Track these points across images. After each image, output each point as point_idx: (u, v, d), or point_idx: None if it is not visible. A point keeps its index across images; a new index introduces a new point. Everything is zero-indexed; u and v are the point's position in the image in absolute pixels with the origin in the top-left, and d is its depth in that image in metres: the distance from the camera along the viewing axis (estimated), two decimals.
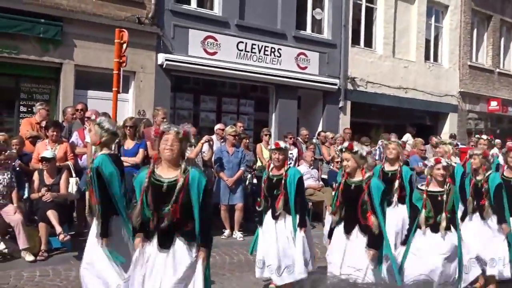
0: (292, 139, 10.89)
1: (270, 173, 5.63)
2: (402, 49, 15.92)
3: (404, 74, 15.71)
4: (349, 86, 14.40)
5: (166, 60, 11.00)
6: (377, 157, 11.63)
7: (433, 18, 17.00)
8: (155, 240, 3.84)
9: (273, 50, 12.79)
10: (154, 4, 10.91)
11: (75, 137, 8.07)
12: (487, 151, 6.59)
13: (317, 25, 14.19)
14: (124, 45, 8.37)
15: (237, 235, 8.72)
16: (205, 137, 8.87)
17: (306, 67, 13.44)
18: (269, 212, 5.57)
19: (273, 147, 5.67)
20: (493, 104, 18.16)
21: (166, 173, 3.88)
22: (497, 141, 15.02)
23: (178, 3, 11.49)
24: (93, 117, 7.29)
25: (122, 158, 7.52)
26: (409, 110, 15.86)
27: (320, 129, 13.41)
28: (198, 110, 12.39)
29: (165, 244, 3.81)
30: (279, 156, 5.53)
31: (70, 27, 9.84)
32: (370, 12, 15.34)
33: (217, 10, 12.13)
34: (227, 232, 8.81)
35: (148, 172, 3.87)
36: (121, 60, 8.39)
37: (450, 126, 17.07)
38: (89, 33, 9.98)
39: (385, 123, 15.60)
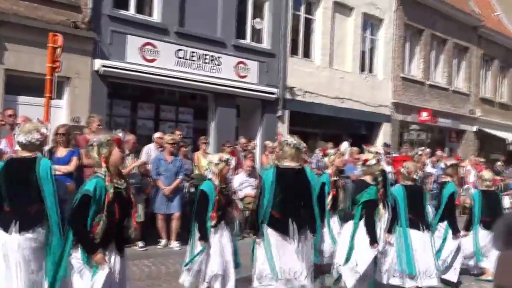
0: (231, 147, 10.93)
1: None
2: (339, 60, 16.37)
3: (341, 84, 16.15)
4: (288, 96, 14.64)
5: (103, 66, 10.76)
6: (313, 165, 11.87)
7: (368, 31, 17.60)
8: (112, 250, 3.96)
9: (212, 58, 12.81)
10: (91, 8, 10.66)
11: (3, 144, 7.73)
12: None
13: (256, 34, 14.35)
14: (59, 50, 8.13)
15: (174, 244, 8.64)
16: (138, 162, 8.74)
17: (245, 76, 13.55)
18: None
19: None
20: (424, 114, 18.98)
21: (119, 180, 4.01)
22: (427, 150, 15.73)
23: (116, 8, 11.28)
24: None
25: (55, 167, 7.30)
26: (345, 119, 16.31)
27: (259, 137, 13.56)
28: (135, 118, 12.19)
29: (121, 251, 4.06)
30: None
31: (1, 30, 9.44)
32: (308, 23, 15.69)
33: (156, 16, 12.01)
34: (163, 241, 8.71)
35: (107, 180, 3.88)
36: (54, 65, 8.14)
37: (384, 135, 17.69)
38: (21, 36, 9.60)
39: (322, 132, 15.95)
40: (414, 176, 6.49)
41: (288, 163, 5.28)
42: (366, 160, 5.97)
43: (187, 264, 5.43)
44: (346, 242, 5.79)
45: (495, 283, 0.80)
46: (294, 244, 5.08)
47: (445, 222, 6.94)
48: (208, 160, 5.81)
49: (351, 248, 5.69)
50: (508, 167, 16.82)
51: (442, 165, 11.36)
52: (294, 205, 5.16)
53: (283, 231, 5.09)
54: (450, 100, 20.86)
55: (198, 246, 5.32)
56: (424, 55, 19.58)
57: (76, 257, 3.88)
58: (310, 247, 5.27)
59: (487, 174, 8.03)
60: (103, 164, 3.96)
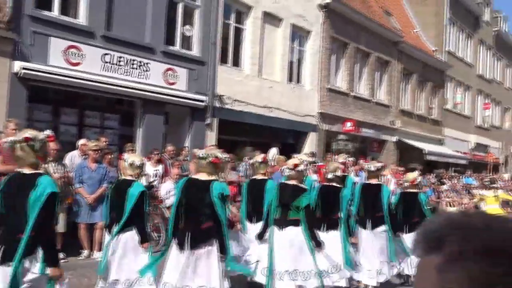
0: (158, 155, 10.76)
1: None
2: (268, 70, 16.60)
3: (269, 93, 16.37)
4: (217, 104, 14.63)
5: (23, 68, 10.24)
6: (241, 173, 11.94)
7: (296, 42, 17.99)
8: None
9: (140, 64, 12.57)
10: (11, 8, 10.14)
11: None
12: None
13: (186, 41, 14.25)
14: None
15: (97, 255, 8.35)
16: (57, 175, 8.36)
17: (174, 83, 13.40)
18: None
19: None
20: (348, 124, 19.63)
21: None
22: (351, 158, 16.25)
23: (38, 9, 10.79)
24: None
25: None
26: (273, 128, 16.53)
27: (187, 145, 13.42)
28: (57, 123, 11.69)
29: None
30: None
31: None
32: (238, 32, 15.80)
33: (82, 19, 11.61)
34: (85, 252, 8.40)
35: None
36: None
37: (310, 144, 18.10)
38: None
39: (251, 140, 16.06)
40: (329, 176, 6.69)
41: (198, 176, 5.21)
42: (296, 165, 6.02)
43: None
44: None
45: None
46: (186, 258, 4.92)
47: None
48: (130, 161, 5.66)
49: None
50: (424, 176, 17.72)
51: (365, 173, 11.75)
52: (194, 219, 5.02)
53: (179, 243, 5.02)
54: (373, 111, 21.72)
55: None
56: (348, 67, 20.28)
57: (31, 269, 3.74)
58: (215, 265, 4.95)
59: (410, 175, 8.32)
60: (41, 162, 3.86)
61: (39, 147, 3.94)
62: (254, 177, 7.53)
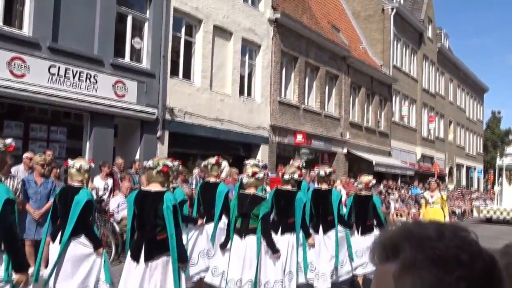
0: (110, 168, 10.55)
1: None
2: (219, 83, 16.64)
3: (221, 106, 16.40)
4: (168, 116, 14.52)
5: None
6: (193, 186, 11.85)
7: (247, 56, 18.14)
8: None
9: (89, 76, 12.33)
10: None
11: None
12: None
13: (136, 54, 14.11)
14: None
15: (45, 272, 8.05)
16: None
17: (123, 95, 13.21)
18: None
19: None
20: (299, 137, 19.89)
21: None
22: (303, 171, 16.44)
23: None
24: None
25: None
26: (225, 141, 16.54)
27: (138, 158, 13.21)
28: (0, 136, 11.26)
29: None
30: None
31: None
32: (189, 46, 15.78)
33: (26, 29, 11.30)
34: (31, 269, 8.07)
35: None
36: None
37: (262, 156, 18.18)
38: None
39: (202, 153, 15.97)
40: (285, 176, 6.81)
41: (150, 187, 5.07)
42: (255, 173, 6.09)
43: None
44: (252, 260, 5.86)
45: None
46: (140, 270, 4.84)
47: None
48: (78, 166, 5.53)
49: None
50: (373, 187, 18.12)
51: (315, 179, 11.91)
52: (149, 231, 4.92)
53: (133, 255, 4.94)
54: (323, 124, 22.11)
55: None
56: (299, 80, 20.61)
57: None
58: (170, 276, 4.88)
59: (364, 178, 8.37)
60: None
61: None
62: (207, 179, 7.49)
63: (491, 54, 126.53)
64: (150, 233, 4.89)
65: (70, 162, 5.64)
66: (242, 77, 17.83)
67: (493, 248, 1.00)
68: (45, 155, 9.14)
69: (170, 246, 4.79)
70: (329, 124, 22.65)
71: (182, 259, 4.94)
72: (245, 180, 6.15)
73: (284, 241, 6.47)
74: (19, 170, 8.80)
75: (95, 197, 9.63)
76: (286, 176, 6.86)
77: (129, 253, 5.01)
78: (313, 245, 6.86)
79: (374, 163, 23.93)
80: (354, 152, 23.97)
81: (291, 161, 12.66)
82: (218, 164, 7.40)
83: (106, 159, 11.19)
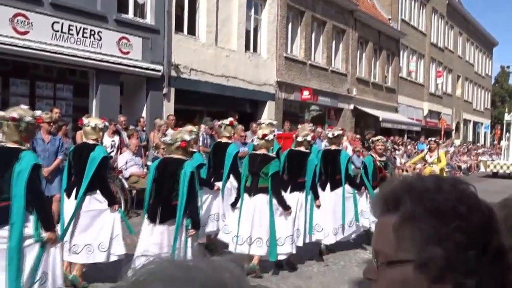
0: (116, 126, 10.58)
1: None
2: (224, 38, 16.42)
3: (226, 62, 16.24)
4: (173, 73, 14.41)
5: None
6: (200, 143, 11.89)
7: (252, 10, 17.81)
8: None
9: (92, 32, 12.18)
10: None
11: None
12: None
13: (139, 9, 13.88)
14: None
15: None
16: None
17: (128, 52, 13.08)
18: None
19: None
20: (306, 93, 19.76)
21: None
22: (310, 125, 16.43)
23: None
24: None
25: None
26: (231, 97, 16.46)
27: (144, 115, 13.22)
28: (7, 95, 11.27)
29: None
30: None
31: None
32: (193, 0, 15.48)
33: None
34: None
35: None
36: None
37: (268, 113, 18.15)
38: None
39: (208, 110, 15.98)
40: (299, 139, 6.96)
41: (172, 155, 5.31)
42: (265, 135, 6.21)
43: None
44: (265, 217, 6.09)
45: (372, 248, 0.89)
46: (157, 231, 5.11)
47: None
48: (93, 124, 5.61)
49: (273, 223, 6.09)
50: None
51: (325, 142, 11.94)
52: (166, 196, 5.16)
53: (149, 217, 5.21)
54: (329, 80, 21.92)
55: None
56: (305, 36, 20.30)
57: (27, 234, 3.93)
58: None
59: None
60: (24, 142, 4.13)
61: (24, 128, 4.09)
62: (219, 140, 7.59)
63: (501, 7, 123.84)
64: (167, 198, 5.14)
65: (85, 120, 5.72)
66: (247, 32, 17.56)
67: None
68: (52, 113, 9.14)
69: (177, 212, 5.02)
70: (336, 79, 22.45)
71: (194, 226, 5.15)
72: (256, 142, 6.34)
73: (293, 198, 6.59)
74: None
75: None
76: (300, 138, 6.97)
77: (146, 216, 5.26)
78: (319, 207, 6.96)
79: (380, 119, 23.85)
80: (361, 108, 23.85)
81: (304, 124, 12.86)
82: (232, 125, 7.55)
83: (112, 117, 11.18)
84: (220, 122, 7.64)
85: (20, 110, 4.16)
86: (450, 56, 36.87)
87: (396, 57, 28.15)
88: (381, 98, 26.30)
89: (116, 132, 10.62)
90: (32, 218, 3.98)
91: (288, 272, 6.38)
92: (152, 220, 5.13)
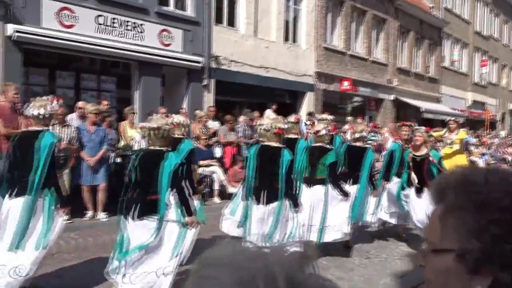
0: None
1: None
2: (264, 29, 16.41)
3: (266, 53, 16.23)
4: (213, 65, 14.52)
5: (16, 31, 10.10)
6: (240, 134, 11.97)
7: (291, 1, 17.71)
8: None
9: (135, 25, 12.40)
10: None
11: None
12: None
13: (180, 1, 14.02)
14: None
15: (101, 216, 8.45)
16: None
17: (169, 44, 13.25)
18: None
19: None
20: (345, 84, 19.56)
21: None
22: (349, 118, 16.31)
23: None
24: None
25: None
26: (270, 88, 16.46)
27: (184, 106, 13.39)
28: (54, 87, 11.62)
29: None
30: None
31: None
32: None
33: None
34: (90, 213, 8.49)
35: None
36: None
37: (307, 104, 18.08)
38: None
39: (248, 101, 16.03)
40: (356, 135, 7.43)
41: (269, 143, 5.88)
42: (317, 131, 6.82)
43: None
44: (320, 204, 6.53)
45: (423, 237, 0.94)
46: (263, 211, 5.68)
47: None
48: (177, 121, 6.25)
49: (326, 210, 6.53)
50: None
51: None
52: (268, 180, 5.75)
53: (257, 199, 5.80)
54: (370, 70, 21.61)
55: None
56: (345, 25, 20.05)
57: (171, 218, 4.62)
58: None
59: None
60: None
61: (163, 134, 4.74)
62: (288, 136, 7.56)
63: None
64: (269, 182, 5.73)
65: (175, 117, 6.45)
66: (287, 23, 17.49)
67: None
68: (100, 104, 9.39)
69: (279, 194, 5.65)
70: (376, 70, 22.11)
71: (296, 204, 5.86)
72: (311, 136, 7.08)
73: (350, 190, 7.06)
74: (72, 119, 9.10)
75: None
76: (357, 135, 7.50)
77: (254, 198, 5.82)
78: (376, 196, 7.51)
79: (422, 109, 23.38)
80: (402, 98, 23.42)
81: (358, 119, 13.18)
82: (297, 122, 7.85)
83: (154, 108, 11.36)
84: (287, 120, 7.70)
85: (161, 120, 4.88)
86: (495, 45, 35.68)
87: (438, 46, 27.47)
88: (423, 88, 25.76)
89: None
90: (174, 205, 4.66)
91: (327, 263, 6.39)
92: (259, 201, 5.69)
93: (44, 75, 11.48)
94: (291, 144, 7.23)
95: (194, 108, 12.96)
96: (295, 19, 18.07)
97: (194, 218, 4.73)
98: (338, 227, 6.62)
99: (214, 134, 11.56)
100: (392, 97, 23.16)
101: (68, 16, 11.07)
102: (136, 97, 12.76)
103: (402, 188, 7.54)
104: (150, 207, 4.57)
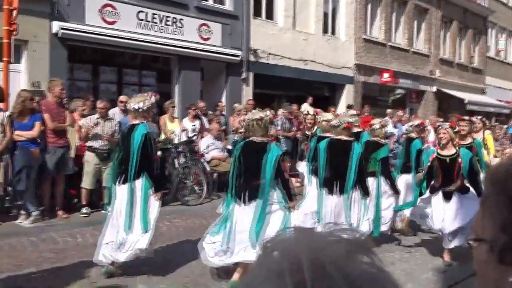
0: (196, 110, 10.89)
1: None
2: (302, 22, 16.32)
3: (304, 46, 16.16)
4: (252, 58, 14.57)
5: (61, 28, 10.42)
6: (279, 127, 11.99)
7: None
8: None
9: (174, 20, 12.57)
10: None
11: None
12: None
13: None
14: (15, 12, 7.83)
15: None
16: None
17: (208, 38, 13.37)
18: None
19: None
20: (386, 75, 19.25)
21: None
22: (389, 110, 16.06)
23: None
24: None
25: (17, 133, 7.14)
26: (309, 81, 16.38)
27: (223, 100, 13.51)
28: (97, 82, 11.93)
29: None
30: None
31: None
32: None
33: None
34: None
35: None
36: (11, 28, 7.86)
37: (346, 96, 17.91)
38: None
39: (286, 94, 16.02)
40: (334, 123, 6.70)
41: (339, 137, 6.12)
42: (371, 125, 7.21)
43: None
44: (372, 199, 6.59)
45: (472, 228, 0.98)
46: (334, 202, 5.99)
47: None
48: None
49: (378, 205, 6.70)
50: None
51: (406, 126, 11.62)
52: (340, 172, 5.99)
53: (329, 189, 6.07)
54: (411, 61, 21.20)
55: None
56: (385, 16, 19.72)
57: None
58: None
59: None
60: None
61: (265, 125, 5.16)
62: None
63: None
64: (342, 174, 5.96)
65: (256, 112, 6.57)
66: (325, 15, 17.33)
67: None
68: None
69: (348, 184, 5.91)
70: (418, 61, 21.66)
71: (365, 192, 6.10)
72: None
73: (402, 180, 7.54)
74: (115, 113, 9.33)
75: (185, 138, 10.05)
76: (335, 123, 7.51)
77: (327, 189, 6.06)
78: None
79: (466, 101, 22.77)
80: (444, 90, 22.87)
81: (398, 112, 13.24)
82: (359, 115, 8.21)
83: (194, 102, 11.52)
84: (344, 113, 7.74)
85: (260, 113, 5.23)
86: None
87: (483, 36, 26.64)
88: (467, 79, 25.07)
89: (197, 116, 10.93)
90: (276, 191, 5.12)
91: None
92: (331, 192, 5.93)
93: (88, 71, 11.79)
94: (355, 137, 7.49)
95: (232, 101, 13.06)
96: (334, 10, 17.88)
97: (294, 203, 5.27)
98: (385, 220, 6.80)
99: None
100: (434, 88, 22.65)
101: (110, 13, 11.33)
102: (176, 91, 12.95)
103: (420, 194, 6.72)
104: (255, 192, 5.02)
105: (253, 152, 5.09)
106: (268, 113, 5.38)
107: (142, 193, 5.24)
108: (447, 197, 6.31)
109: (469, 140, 7.58)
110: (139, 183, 5.25)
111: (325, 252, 0.65)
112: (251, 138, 5.18)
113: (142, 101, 5.34)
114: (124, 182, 5.26)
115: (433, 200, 6.46)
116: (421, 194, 6.57)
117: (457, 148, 6.39)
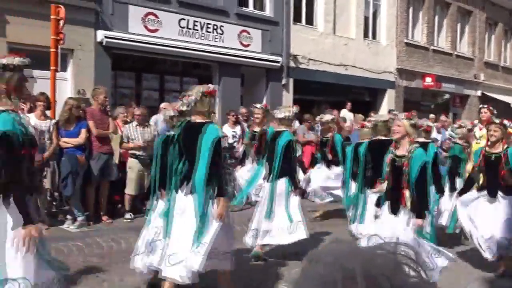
0: (236, 117, 10.93)
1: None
2: (342, 26, 16.20)
3: (344, 51, 16.03)
4: (292, 64, 14.55)
5: (106, 37, 10.69)
6: (319, 133, 11.90)
7: None
8: None
9: (215, 27, 12.70)
10: None
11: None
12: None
13: (259, 2, 14.18)
14: (61, 22, 8.09)
15: None
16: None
17: (248, 45, 13.45)
18: None
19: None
20: (428, 80, 18.88)
21: None
22: (431, 115, 15.72)
23: None
24: None
25: (64, 140, 7.35)
26: (349, 86, 16.23)
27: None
28: (140, 89, 12.17)
29: None
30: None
31: (1, 2, 9.35)
32: None
33: None
34: None
35: None
36: (58, 37, 8.11)
37: (388, 101, 17.64)
38: (22, 8, 9.51)
39: (326, 99, 15.91)
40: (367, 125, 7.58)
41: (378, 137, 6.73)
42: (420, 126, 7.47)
43: None
44: None
45: None
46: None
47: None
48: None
49: None
50: None
51: (448, 131, 11.36)
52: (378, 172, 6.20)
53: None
54: (454, 65, 20.72)
55: None
56: (427, 19, 19.36)
57: None
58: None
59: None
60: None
61: None
62: (377, 137, 7.04)
63: None
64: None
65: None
66: (366, 19, 17.15)
67: None
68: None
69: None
70: (461, 64, 21.15)
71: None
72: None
73: None
74: (157, 120, 9.46)
75: (225, 144, 10.09)
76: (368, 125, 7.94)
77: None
78: None
79: None
80: (489, 94, 22.23)
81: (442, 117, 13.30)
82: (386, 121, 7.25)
83: (234, 108, 11.59)
84: (375, 120, 7.43)
85: (384, 116, 6.15)
86: None
87: None
88: None
89: (237, 122, 10.97)
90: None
91: None
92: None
93: (131, 78, 12.05)
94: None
95: (273, 107, 13.03)
96: (375, 14, 17.68)
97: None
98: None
99: (294, 133, 11.55)
100: (478, 93, 22.05)
101: (153, 21, 11.55)
102: (217, 98, 13.01)
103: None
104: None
105: (378, 149, 5.96)
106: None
107: (284, 192, 6.01)
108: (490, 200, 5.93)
109: (499, 148, 6.06)
110: (282, 183, 6.01)
111: (375, 265, 0.67)
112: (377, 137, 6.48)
113: (288, 110, 6.28)
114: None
115: (476, 204, 6.02)
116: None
117: (503, 146, 5.98)
